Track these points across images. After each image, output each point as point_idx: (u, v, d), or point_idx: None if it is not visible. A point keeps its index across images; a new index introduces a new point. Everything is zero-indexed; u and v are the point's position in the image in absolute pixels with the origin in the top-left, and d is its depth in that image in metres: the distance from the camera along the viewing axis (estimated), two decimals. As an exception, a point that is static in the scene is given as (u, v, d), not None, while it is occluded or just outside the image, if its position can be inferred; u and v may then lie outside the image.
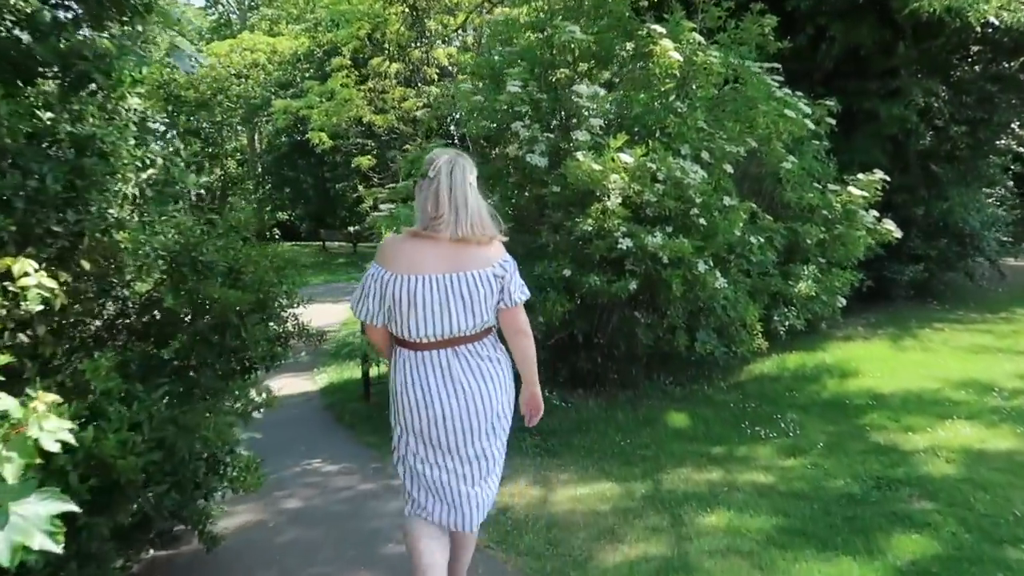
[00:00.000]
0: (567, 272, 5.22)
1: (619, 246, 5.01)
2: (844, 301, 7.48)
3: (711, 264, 5.46)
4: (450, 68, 13.35)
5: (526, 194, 5.77)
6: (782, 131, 5.90)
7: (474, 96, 5.78)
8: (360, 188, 11.25)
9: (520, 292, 2.44)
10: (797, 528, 3.50)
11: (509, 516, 3.76)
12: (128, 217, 2.66)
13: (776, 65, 6.65)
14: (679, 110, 5.73)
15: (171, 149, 2.94)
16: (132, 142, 2.93)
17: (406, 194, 5.97)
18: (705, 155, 5.58)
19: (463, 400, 2.32)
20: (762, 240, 5.98)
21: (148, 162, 2.92)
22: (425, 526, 2.43)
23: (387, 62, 12.78)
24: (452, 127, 8.73)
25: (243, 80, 26.04)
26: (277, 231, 31.32)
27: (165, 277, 2.57)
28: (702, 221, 5.36)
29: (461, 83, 6.20)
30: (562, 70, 5.72)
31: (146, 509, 2.68)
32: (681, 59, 5.57)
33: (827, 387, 6.06)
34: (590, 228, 5.09)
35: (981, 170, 10.79)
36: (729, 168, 5.67)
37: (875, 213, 7.85)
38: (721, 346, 6.04)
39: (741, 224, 5.59)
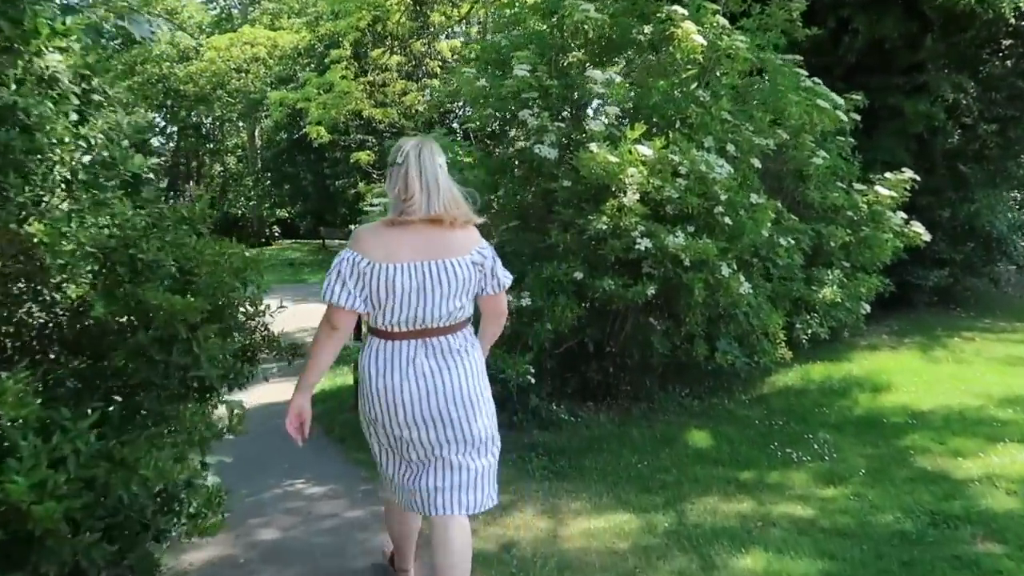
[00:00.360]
0: (579, 275, 4.74)
1: (637, 247, 4.53)
2: (868, 308, 7.00)
3: (735, 267, 4.99)
4: (453, 62, 12.89)
5: (533, 189, 5.29)
6: (816, 123, 5.41)
7: (478, 82, 5.30)
8: (360, 185, 10.81)
9: (505, 277, 2.44)
10: (847, 575, 3.02)
11: (515, 554, 3.28)
12: (59, 205, 2.19)
13: (798, 57, 6.18)
14: (702, 99, 5.25)
15: (112, 122, 2.46)
16: (74, 117, 2.45)
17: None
18: (730, 148, 5.10)
19: (423, 393, 2.30)
20: (792, 242, 5.50)
21: (93, 142, 2.45)
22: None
23: (388, 54, 12.33)
24: (455, 124, 8.27)
25: (243, 75, 25.59)
26: (277, 228, 30.97)
27: (97, 279, 2.10)
28: (727, 220, 4.88)
29: (463, 70, 5.71)
30: (575, 53, 5.24)
31: (79, 559, 2.21)
32: (705, 43, 5.09)
33: (859, 402, 5.58)
34: (605, 227, 4.62)
35: (1011, 171, 10.30)
36: (757, 162, 5.19)
37: (903, 215, 7.39)
38: (743, 356, 5.57)
39: (769, 224, 5.11)
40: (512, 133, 5.41)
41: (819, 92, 5.70)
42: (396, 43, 12.66)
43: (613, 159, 4.48)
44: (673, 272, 4.73)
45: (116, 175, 2.23)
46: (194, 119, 33.87)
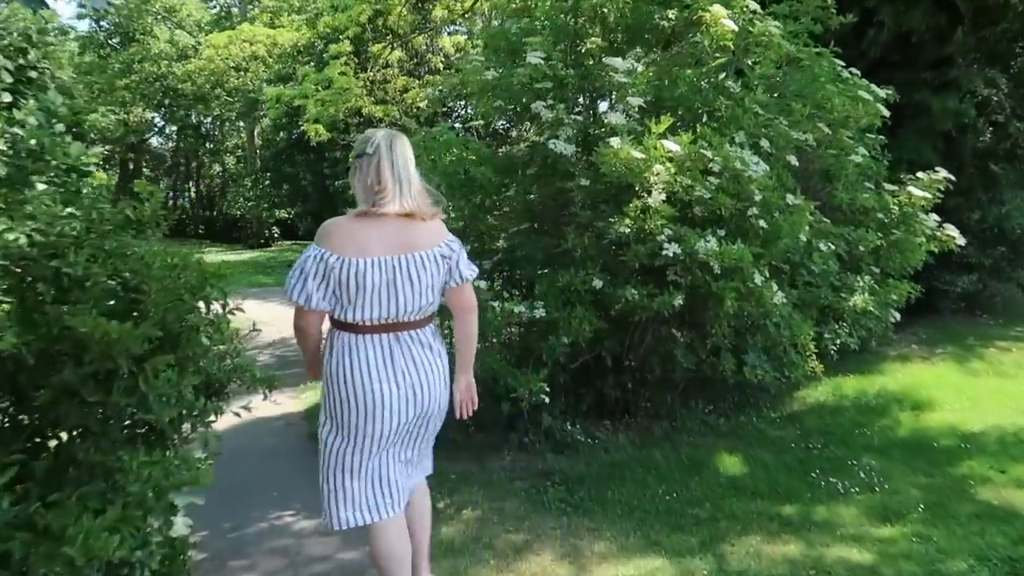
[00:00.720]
0: (598, 283, 4.29)
1: (664, 252, 4.08)
2: (898, 316, 6.54)
3: (767, 275, 4.53)
4: (455, 60, 12.44)
5: (547, 189, 4.83)
6: (861, 116, 4.95)
7: (486, 71, 4.84)
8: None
9: (469, 269, 2.45)
10: (925, 641, 2.57)
11: (532, 611, 2.82)
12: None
13: (823, 50, 5.73)
14: (731, 90, 4.79)
15: (42, 104, 1.99)
16: (7, 98, 2.00)
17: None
18: (764, 144, 4.64)
19: (402, 389, 2.30)
20: (831, 247, 5.04)
21: (24, 128, 1.99)
22: (379, 526, 2.44)
23: (389, 49, 11.87)
24: (458, 121, 7.82)
25: (242, 73, 25.12)
26: (276, 229, 30.51)
27: (10, 300, 1.65)
28: (762, 223, 4.42)
29: (469, 59, 5.25)
30: (593, 39, 4.78)
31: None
32: (736, 29, 4.64)
33: (901, 422, 5.12)
34: (627, 230, 4.16)
35: (1044, 171, 9.81)
36: (793, 159, 4.73)
37: (936, 217, 6.94)
38: (773, 371, 5.12)
39: (806, 227, 4.65)
40: (523, 128, 4.95)
41: (858, 84, 5.24)
42: (397, 39, 12.19)
43: (638, 155, 4.02)
44: (702, 280, 4.28)
45: (46, 167, 1.78)
46: (194, 119, 33.45)
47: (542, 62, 4.50)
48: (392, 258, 2.23)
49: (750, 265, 4.19)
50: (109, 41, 31.45)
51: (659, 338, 5.12)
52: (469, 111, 6.84)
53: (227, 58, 24.48)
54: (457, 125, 8.03)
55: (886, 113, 5.54)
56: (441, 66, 12.24)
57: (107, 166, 37.53)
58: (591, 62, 4.87)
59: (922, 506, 3.68)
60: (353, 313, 2.24)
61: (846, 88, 5.03)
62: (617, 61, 4.53)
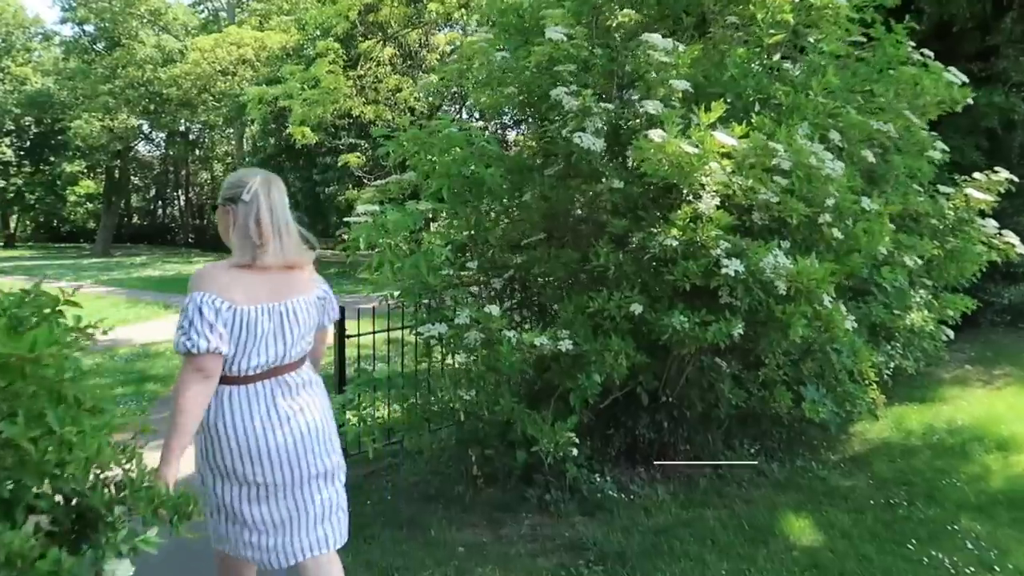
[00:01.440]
0: (637, 308, 3.48)
1: (724, 270, 3.27)
2: (951, 334, 5.76)
3: (834, 295, 3.73)
4: (452, 61, 11.69)
5: (570, 193, 4.01)
6: (957, 101, 4.17)
7: (495, 52, 4.04)
8: (357, 192, 9.58)
9: (335, 309, 2.47)
10: None
11: None
12: None
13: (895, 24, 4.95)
14: (791, 73, 4.00)
15: None
16: None
17: (398, 191, 4.23)
18: (834, 136, 3.84)
19: (288, 431, 2.19)
20: (918, 260, 4.25)
21: None
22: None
23: (380, 45, 11.06)
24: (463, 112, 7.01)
25: (229, 77, 24.29)
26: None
27: None
28: (835, 233, 3.63)
29: (474, 38, 4.44)
30: (626, 10, 3.98)
31: None
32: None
33: (990, 468, 4.31)
34: (675, 243, 3.36)
35: (1096, 171, 9.05)
36: (870, 155, 3.93)
37: (994, 223, 6.17)
38: (834, 406, 4.33)
39: (887, 238, 3.86)
40: (539, 121, 4.15)
41: (933, 67, 4.45)
42: (389, 34, 11.40)
43: (691, 149, 3.21)
44: (764, 303, 3.47)
45: None
46: (181, 126, 32.59)
47: (564, 38, 3.70)
48: (280, 304, 2.18)
49: (825, 284, 3.39)
50: (94, 46, 30.63)
51: (700, 369, 4.33)
52: (469, 104, 6.05)
53: (213, 61, 23.67)
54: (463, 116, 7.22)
55: (970, 100, 4.76)
56: (436, 63, 11.42)
57: (92, 174, 36.71)
58: (619, 39, 4.08)
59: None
60: (241, 364, 2.13)
61: (925, 73, 4.24)
62: (656, 38, 3.73)
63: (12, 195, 34.31)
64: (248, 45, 23.43)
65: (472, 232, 4.19)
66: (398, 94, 11.38)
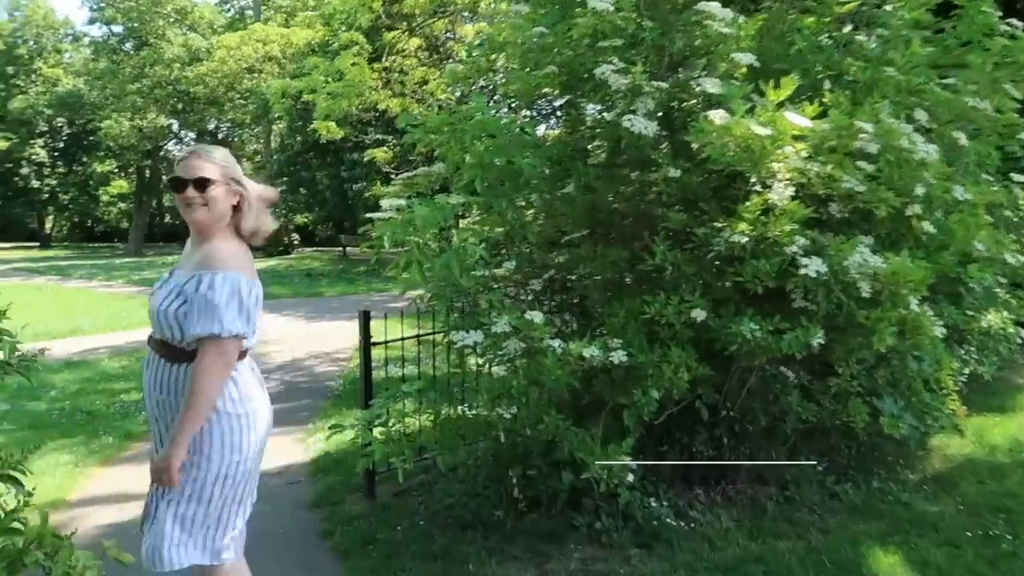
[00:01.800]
0: (699, 314, 3.05)
1: (802, 271, 2.83)
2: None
3: (920, 298, 3.27)
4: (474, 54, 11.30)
5: (618, 183, 3.59)
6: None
7: (532, 28, 3.63)
8: (377, 186, 9.23)
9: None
10: None
11: None
12: None
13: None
14: (865, 46, 3.53)
15: None
16: None
17: (426, 184, 3.84)
18: (920, 116, 3.37)
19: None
20: (1021, 258, 3.76)
21: None
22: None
23: (406, 35, 10.70)
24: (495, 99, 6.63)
25: (255, 75, 24.15)
26: (296, 236, 29.55)
27: None
28: (926, 226, 3.16)
29: (510, 12, 4.04)
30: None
31: None
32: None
33: (1097, 489, 3.82)
34: (744, 239, 2.92)
35: None
36: (963, 137, 3.46)
37: (1074, 213, 5.62)
38: (914, 420, 3.88)
39: (983, 232, 3.38)
40: (583, 102, 3.72)
41: (1021, 39, 3.95)
42: (414, 25, 11.02)
43: (762, 131, 2.77)
44: (847, 307, 3.03)
45: None
46: (210, 124, 32.62)
47: (611, 8, 3.27)
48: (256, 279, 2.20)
49: (922, 287, 2.93)
50: (122, 46, 30.76)
51: (764, 379, 3.89)
52: (497, 97, 5.67)
53: (240, 59, 23.53)
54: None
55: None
56: (463, 54, 11.03)
57: (124, 174, 36.98)
58: (669, 9, 3.64)
59: None
60: (249, 339, 2.15)
61: (1019, 42, 3.74)
62: (714, 6, 3.29)
63: (46, 195, 34.71)
64: (274, 42, 23.25)
65: (508, 228, 3.79)
66: (424, 87, 11.00)
